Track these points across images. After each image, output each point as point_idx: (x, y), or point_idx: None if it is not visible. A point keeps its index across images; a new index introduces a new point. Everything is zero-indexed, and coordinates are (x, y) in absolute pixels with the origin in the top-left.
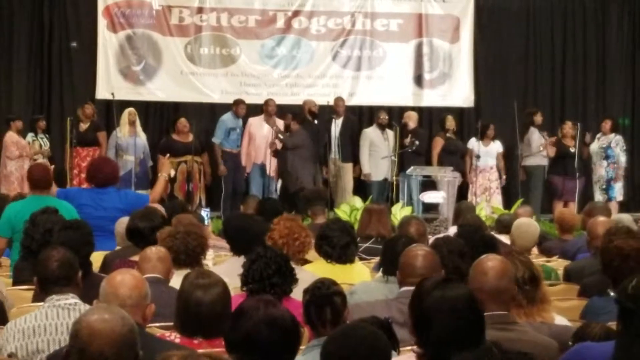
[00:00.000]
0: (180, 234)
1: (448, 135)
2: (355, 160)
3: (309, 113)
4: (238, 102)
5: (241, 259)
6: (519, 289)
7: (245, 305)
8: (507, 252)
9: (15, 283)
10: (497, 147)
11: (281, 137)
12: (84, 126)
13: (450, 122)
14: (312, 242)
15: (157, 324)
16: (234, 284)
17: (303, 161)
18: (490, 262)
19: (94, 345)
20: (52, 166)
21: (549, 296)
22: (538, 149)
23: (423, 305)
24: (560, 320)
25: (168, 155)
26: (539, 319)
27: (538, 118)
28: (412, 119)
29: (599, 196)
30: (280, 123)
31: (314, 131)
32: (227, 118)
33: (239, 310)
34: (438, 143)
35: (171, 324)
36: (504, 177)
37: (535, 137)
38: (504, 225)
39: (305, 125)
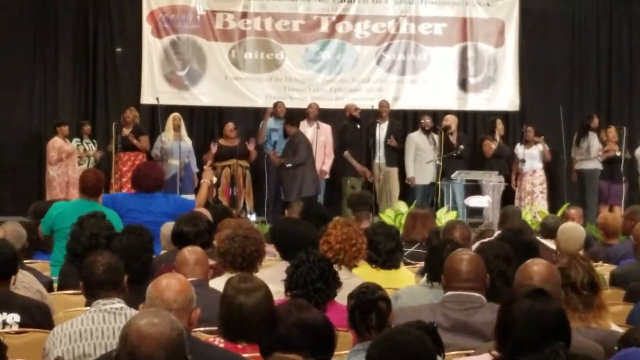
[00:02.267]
0: (238, 238)
1: (496, 138)
2: (400, 164)
3: (350, 117)
4: (276, 104)
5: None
6: (577, 293)
7: (277, 310)
8: (571, 255)
9: (60, 287)
10: (539, 148)
11: (287, 165)
12: (126, 131)
13: (500, 126)
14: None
15: (202, 329)
16: (282, 290)
17: (304, 171)
18: (536, 266)
19: (142, 348)
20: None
21: (606, 303)
22: (597, 153)
23: (510, 311)
24: (615, 327)
25: (210, 162)
26: (594, 325)
27: (595, 122)
28: (454, 123)
29: None
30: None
31: (355, 135)
32: (266, 120)
33: (272, 316)
34: (489, 145)
35: (215, 328)
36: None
37: (596, 142)
38: (548, 230)
39: (348, 128)
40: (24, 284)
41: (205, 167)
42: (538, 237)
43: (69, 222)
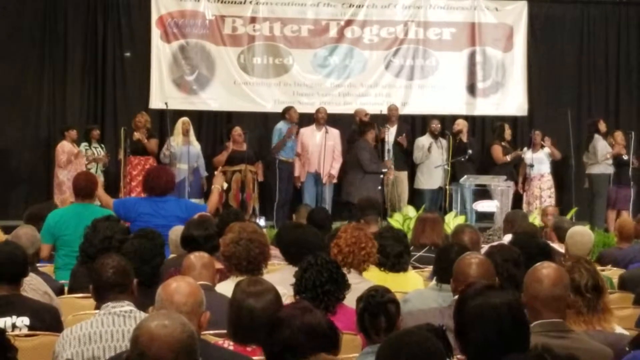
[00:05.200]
0: (243, 241)
1: (504, 144)
2: (409, 168)
3: (360, 122)
4: (289, 109)
5: (294, 268)
6: (581, 296)
7: (281, 314)
8: (575, 259)
9: (71, 289)
10: (546, 151)
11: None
12: (137, 135)
13: (508, 131)
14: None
15: (211, 332)
16: (289, 293)
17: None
18: (545, 269)
19: (153, 350)
20: (102, 179)
21: (610, 306)
22: (604, 157)
23: (464, 312)
24: (620, 330)
25: (221, 168)
26: (599, 328)
27: (602, 126)
28: (465, 127)
29: None
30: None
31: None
32: (281, 126)
33: (276, 320)
34: (497, 150)
35: (224, 331)
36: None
37: (601, 146)
38: (563, 232)
39: (357, 133)
40: (32, 286)
41: (216, 172)
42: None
43: (68, 228)
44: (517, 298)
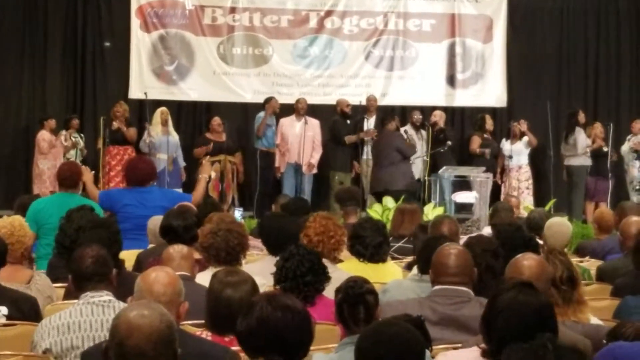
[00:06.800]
0: (221, 232)
1: (485, 135)
2: None
3: (341, 113)
4: (270, 99)
5: (275, 259)
6: (556, 288)
7: (254, 299)
8: (548, 250)
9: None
10: (524, 141)
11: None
12: (116, 124)
13: (489, 123)
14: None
15: (190, 322)
16: (268, 283)
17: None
18: (527, 261)
19: (131, 340)
20: (93, 171)
21: (585, 297)
22: (584, 149)
23: (494, 303)
24: (595, 321)
25: (208, 157)
26: (574, 319)
27: (581, 117)
28: (442, 119)
29: (633, 197)
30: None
31: (346, 130)
32: (262, 116)
33: (250, 304)
34: (475, 141)
35: (202, 321)
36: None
37: (582, 138)
38: (535, 224)
39: (338, 123)
40: (38, 286)
41: (204, 161)
42: None
43: (51, 217)
44: (550, 303)
